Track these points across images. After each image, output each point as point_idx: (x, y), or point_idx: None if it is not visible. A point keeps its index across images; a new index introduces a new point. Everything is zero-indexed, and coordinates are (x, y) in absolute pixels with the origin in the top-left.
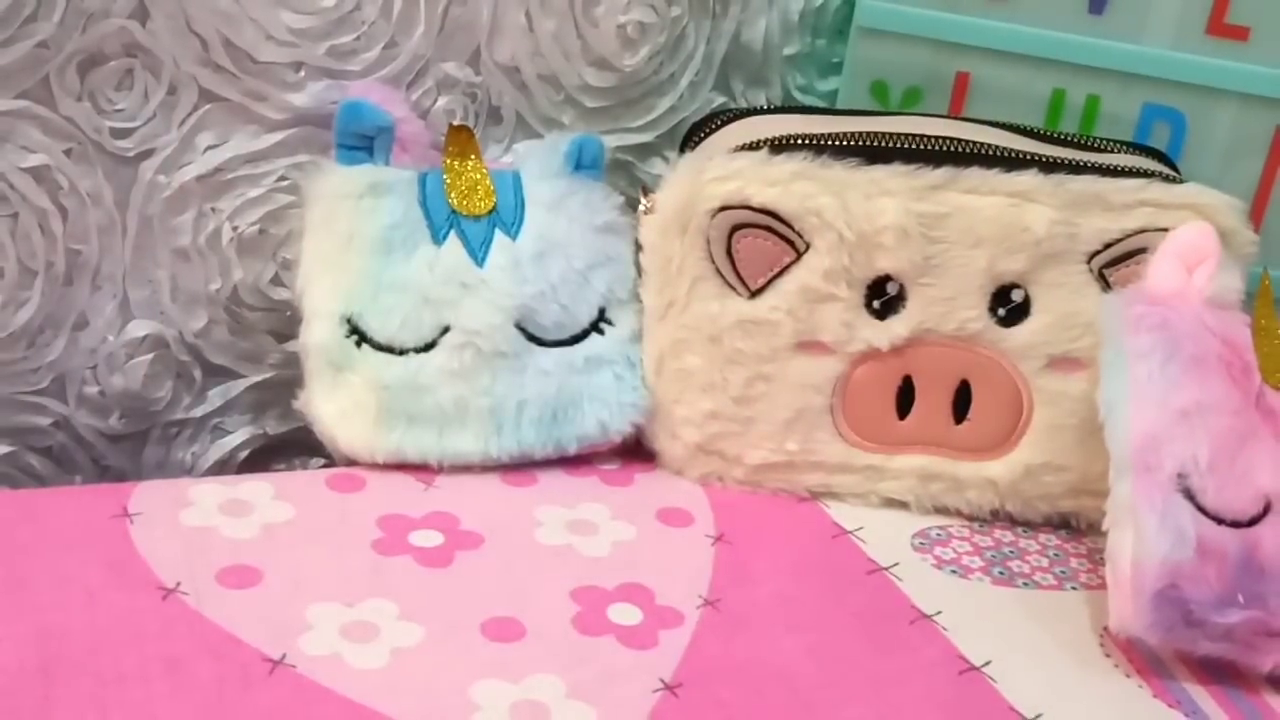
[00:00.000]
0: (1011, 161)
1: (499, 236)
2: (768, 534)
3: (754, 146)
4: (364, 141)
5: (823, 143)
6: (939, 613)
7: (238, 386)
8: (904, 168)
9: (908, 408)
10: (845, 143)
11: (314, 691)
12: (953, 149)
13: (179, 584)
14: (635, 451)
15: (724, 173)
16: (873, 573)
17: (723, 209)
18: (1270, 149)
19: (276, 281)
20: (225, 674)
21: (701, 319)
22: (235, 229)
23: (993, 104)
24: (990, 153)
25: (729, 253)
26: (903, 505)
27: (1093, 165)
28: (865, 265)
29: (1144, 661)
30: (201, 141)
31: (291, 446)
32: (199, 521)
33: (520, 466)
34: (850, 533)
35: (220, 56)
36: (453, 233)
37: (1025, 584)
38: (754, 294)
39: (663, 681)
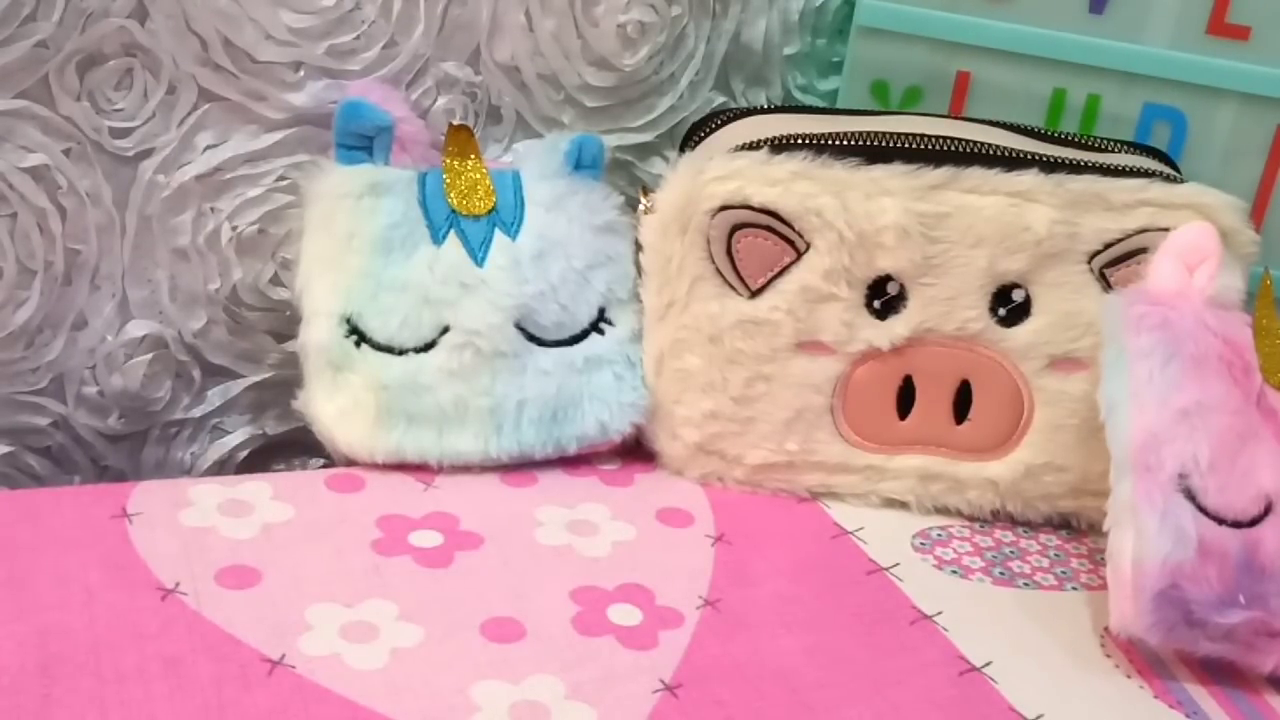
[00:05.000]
0: (1012, 161)
1: (499, 236)
2: (768, 534)
3: (754, 146)
4: (363, 141)
5: (823, 142)
6: (939, 613)
7: (237, 386)
8: (904, 167)
9: (908, 408)
10: (845, 142)
11: (313, 692)
12: (953, 149)
13: (178, 584)
14: (635, 451)
15: (724, 172)
16: (873, 573)
17: (723, 209)
18: (1271, 149)
19: (276, 281)
20: (224, 674)
21: (701, 319)
22: (234, 229)
23: (993, 104)
24: (991, 152)
25: (729, 252)
26: (903, 505)
27: (1093, 165)
28: (865, 265)
29: (1145, 662)
30: (201, 141)
31: (291, 446)
32: (198, 522)
33: (520, 466)
34: (850, 533)
35: (220, 56)
36: (452, 232)
37: (1026, 584)
38: (754, 294)
39: (663, 682)
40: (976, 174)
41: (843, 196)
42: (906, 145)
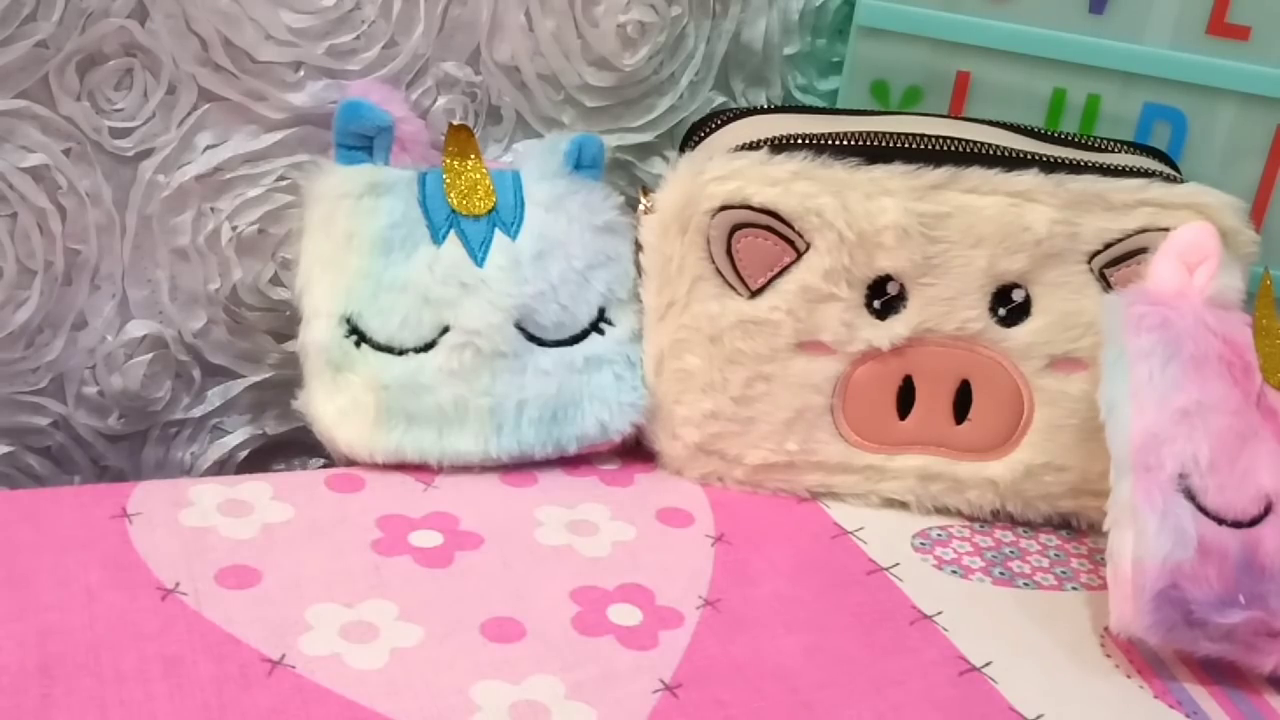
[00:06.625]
0: (1012, 161)
1: (498, 236)
2: (768, 534)
3: (754, 146)
4: (363, 141)
5: (823, 142)
6: (939, 613)
7: (237, 386)
8: (904, 167)
9: (908, 408)
10: (845, 142)
11: (313, 692)
12: (953, 149)
13: (178, 584)
14: (635, 451)
15: (724, 172)
16: (873, 573)
17: (723, 209)
18: (1271, 149)
19: (276, 281)
20: (224, 674)
21: (701, 319)
22: (234, 229)
23: (993, 104)
24: (991, 152)
25: (729, 252)
26: (903, 505)
27: (1093, 165)
28: (865, 265)
29: (1145, 662)
30: (201, 141)
31: (291, 446)
32: (198, 522)
33: (520, 466)
34: (850, 533)
35: (220, 56)
36: (452, 232)
37: (1026, 584)
38: (754, 294)
39: (663, 682)
40: (976, 174)
41: (843, 196)
42: (906, 145)
